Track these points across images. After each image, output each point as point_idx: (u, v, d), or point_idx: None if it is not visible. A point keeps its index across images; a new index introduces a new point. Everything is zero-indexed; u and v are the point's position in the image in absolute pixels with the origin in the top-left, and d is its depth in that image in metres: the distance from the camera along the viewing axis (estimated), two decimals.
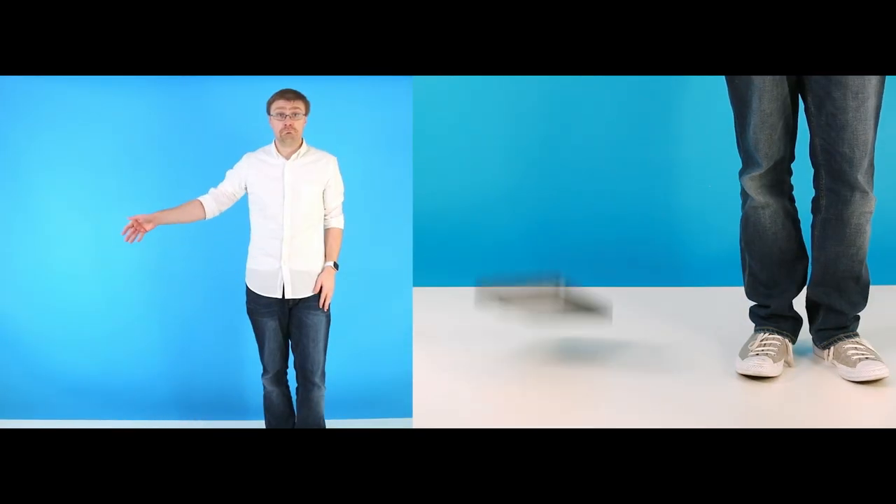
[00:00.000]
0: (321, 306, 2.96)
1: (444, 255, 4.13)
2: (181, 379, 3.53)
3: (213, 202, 3.03)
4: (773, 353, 3.05)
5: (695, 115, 4.12)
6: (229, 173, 3.03)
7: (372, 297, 3.52)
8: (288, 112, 2.93)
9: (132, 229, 2.90)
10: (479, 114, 4.23)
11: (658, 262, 4.15)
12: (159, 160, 3.48)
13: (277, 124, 2.94)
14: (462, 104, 4.22)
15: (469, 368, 3.21)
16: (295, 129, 2.94)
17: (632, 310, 3.69)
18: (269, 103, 2.96)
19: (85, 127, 3.45)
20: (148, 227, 2.92)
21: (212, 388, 3.51)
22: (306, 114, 2.98)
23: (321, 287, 2.96)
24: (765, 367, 3.00)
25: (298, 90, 2.97)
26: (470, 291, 3.88)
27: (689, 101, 4.11)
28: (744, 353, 3.09)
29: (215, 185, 3.03)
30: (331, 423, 3.22)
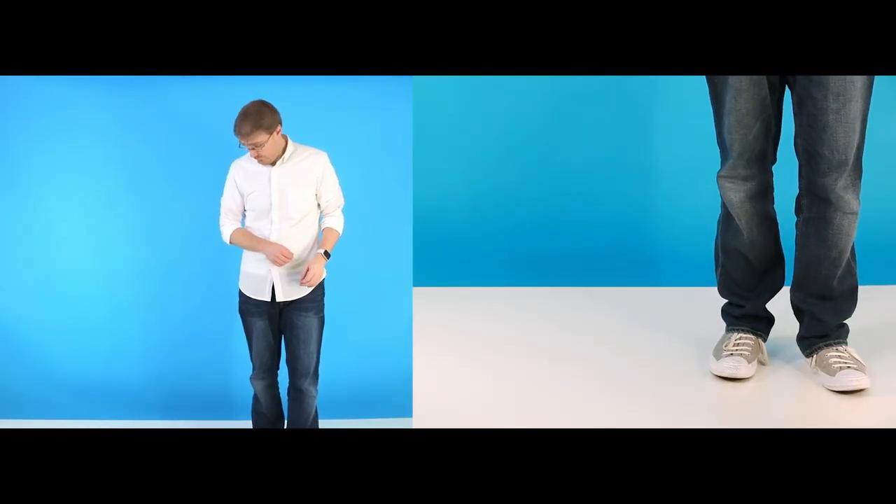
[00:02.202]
0: (302, 283, 2.92)
1: (444, 255, 4.12)
2: (181, 379, 3.52)
3: (234, 220, 3.01)
4: (747, 353, 3.03)
5: (677, 115, 4.11)
6: (225, 195, 3.00)
7: (372, 296, 3.52)
8: (248, 146, 2.88)
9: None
10: (479, 114, 4.23)
11: (652, 262, 4.15)
12: (159, 160, 3.48)
13: (249, 150, 2.90)
14: (462, 104, 4.22)
15: (469, 368, 3.21)
16: (263, 156, 2.88)
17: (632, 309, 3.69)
18: (233, 127, 2.88)
19: (84, 127, 3.45)
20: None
21: (213, 389, 3.51)
22: (272, 133, 2.87)
23: (307, 270, 2.90)
24: (741, 369, 2.99)
25: (257, 114, 2.86)
26: (470, 291, 3.89)
27: (671, 101, 4.11)
28: (718, 353, 3.07)
29: (214, 184, 3.03)
30: (330, 423, 3.22)
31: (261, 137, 2.86)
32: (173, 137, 3.47)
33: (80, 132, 3.45)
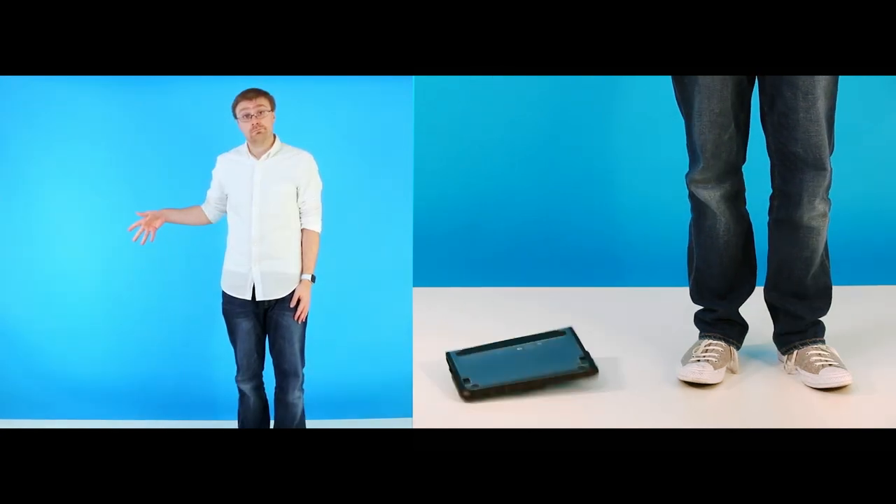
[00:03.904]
0: (296, 319, 2.93)
1: (444, 255, 4.12)
2: (180, 379, 3.53)
3: (213, 208, 3.07)
4: (714, 359, 2.99)
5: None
6: (212, 181, 3.05)
7: (372, 297, 3.52)
8: (253, 111, 2.90)
9: (141, 228, 2.98)
10: (479, 114, 4.22)
11: (650, 263, 4.15)
12: (158, 160, 3.49)
13: (245, 126, 2.92)
14: (462, 104, 4.21)
15: None
16: (264, 126, 2.91)
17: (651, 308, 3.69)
18: (234, 107, 2.94)
19: (84, 127, 3.46)
20: (157, 223, 3.01)
21: (212, 388, 3.51)
22: (272, 109, 2.94)
23: (298, 300, 2.93)
24: (704, 374, 2.95)
25: (261, 88, 2.95)
26: (470, 291, 3.89)
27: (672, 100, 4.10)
28: (685, 359, 3.05)
29: (210, 184, 3.05)
30: (330, 423, 3.22)
31: (266, 103, 2.92)
32: (173, 137, 3.47)
33: (79, 132, 3.46)
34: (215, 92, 3.37)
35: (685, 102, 2.91)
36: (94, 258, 3.50)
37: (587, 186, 4.22)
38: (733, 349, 3.06)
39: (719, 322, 3.08)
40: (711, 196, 2.95)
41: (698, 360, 2.99)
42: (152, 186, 3.48)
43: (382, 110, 3.48)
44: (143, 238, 2.99)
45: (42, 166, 3.46)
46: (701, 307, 3.13)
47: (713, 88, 2.82)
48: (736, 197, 2.99)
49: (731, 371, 3.05)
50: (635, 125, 4.20)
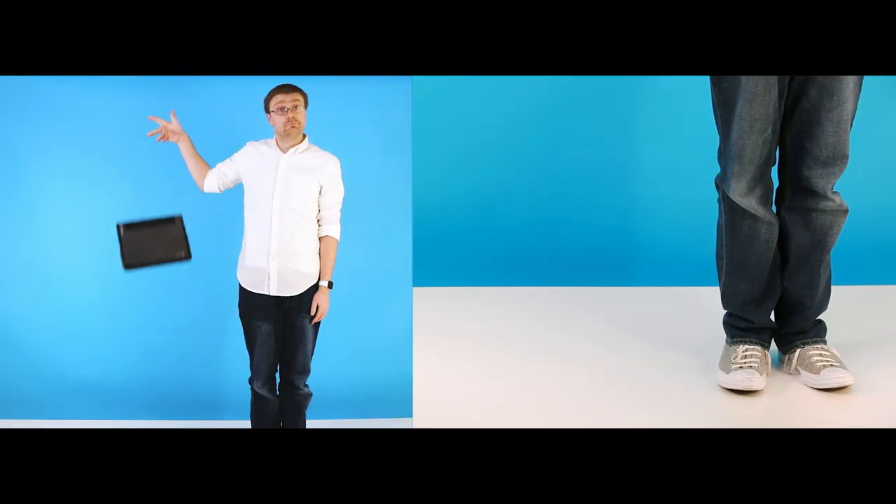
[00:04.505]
0: (312, 324, 2.95)
1: (444, 255, 4.13)
2: (181, 379, 3.52)
3: (215, 179, 3.04)
4: (756, 365, 2.99)
5: (683, 115, 4.11)
6: (230, 158, 3.04)
7: (372, 297, 3.51)
8: (289, 105, 2.91)
9: (162, 133, 3.02)
10: (479, 114, 4.23)
11: (655, 262, 4.15)
12: (159, 162, 3.48)
13: (279, 119, 2.92)
14: (462, 104, 4.22)
15: (469, 368, 3.21)
16: (298, 121, 2.92)
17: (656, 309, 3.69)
18: (268, 100, 2.94)
19: (84, 127, 3.45)
20: (173, 138, 3.03)
21: (213, 388, 3.51)
22: (306, 106, 2.96)
23: (317, 308, 2.95)
24: (754, 381, 2.94)
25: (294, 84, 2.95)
26: (470, 291, 3.89)
27: (672, 100, 4.11)
28: (726, 366, 3.03)
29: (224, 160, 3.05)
30: (330, 423, 3.22)
31: (301, 98, 2.93)
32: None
33: (80, 132, 3.45)
34: (215, 92, 3.37)
35: (724, 106, 2.88)
36: (94, 257, 3.50)
37: (587, 186, 4.23)
38: (766, 352, 3.06)
39: (752, 329, 3.06)
40: (747, 199, 2.93)
41: (741, 367, 2.97)
42: (152, 186, 3.47)
43: (382, 110, 3.48)
44: (158, 138, 3.00)
45: (42, 166, 3.45)
46: (732, 314, 3.11)
47: (756, 93, 2.80)
48: (767, 199, 2.99)
49: (766, 375, 3.04)
50: (636, 125, 4.20)
